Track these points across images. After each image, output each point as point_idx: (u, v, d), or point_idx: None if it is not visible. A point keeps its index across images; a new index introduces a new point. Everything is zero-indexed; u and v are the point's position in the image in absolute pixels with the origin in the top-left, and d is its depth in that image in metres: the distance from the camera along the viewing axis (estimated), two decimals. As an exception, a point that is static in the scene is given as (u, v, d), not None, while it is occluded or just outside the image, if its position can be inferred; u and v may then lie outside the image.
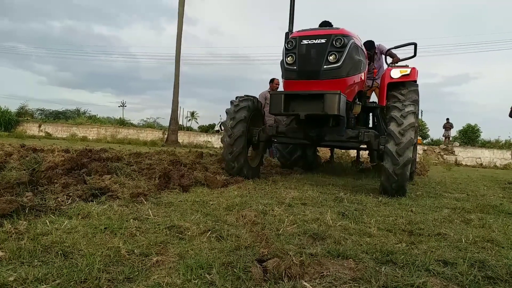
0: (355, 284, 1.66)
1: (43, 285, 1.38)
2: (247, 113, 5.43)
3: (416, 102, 6.16)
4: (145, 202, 3.21)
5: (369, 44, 6.79)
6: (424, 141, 29.78)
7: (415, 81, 6.44)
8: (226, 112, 5.52)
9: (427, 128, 37.57)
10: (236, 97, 5.67)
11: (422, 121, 36.31)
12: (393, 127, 4.59)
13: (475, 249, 2.34)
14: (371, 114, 7.09)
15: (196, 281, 1.54)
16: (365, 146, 5.81)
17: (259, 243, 2.19)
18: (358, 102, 5.79)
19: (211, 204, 3.30)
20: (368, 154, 8.93)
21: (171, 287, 1.47)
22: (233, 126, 5.30)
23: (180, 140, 24.43)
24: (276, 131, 5.69)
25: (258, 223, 2.70)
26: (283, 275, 1.73)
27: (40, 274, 1.47)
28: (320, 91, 4.65)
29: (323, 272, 1.78)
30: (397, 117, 4.64)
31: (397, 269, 1.90)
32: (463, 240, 2.52)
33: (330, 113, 4.59)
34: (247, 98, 5.64)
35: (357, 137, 5.17)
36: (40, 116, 33.41)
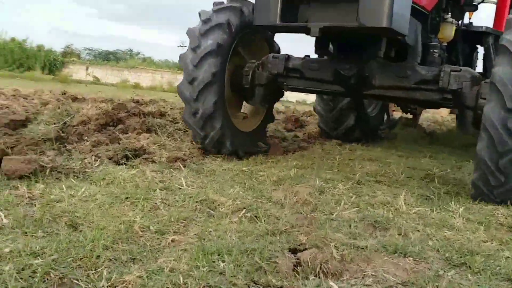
0: (403, 290, 1.69)
1: (38, 259, 1.60)
2: (227, 36, 3.88)
3: None
4: (183, 169, 3.41)
5: None
6: None
7: None
8: (188, 35, 4.05)
9: None
10: (214, 3, 4.11)
11: None
12: (504, 70, 3.04)
13: None
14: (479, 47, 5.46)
15: (205, 269, 1.67)
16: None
17: (300, 227, 2.27)
18: (450, 20, 4.32)
19: (260, 176, 3.42)
20: (457, 118, 6.84)
21: (174, 273, 1.62)
22: (196, 64, 3.82)
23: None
24: (285, 67, 4.14)
25: (310, 203, 2.77)
26: (318, 270, 1.80)
27: (38, 247, 1.70)
28: None
29: (366, 271, 1.81)
30: None
31: (469, 275, 1.87)
32: None
33: (371, 26, 3.15)
34: (229, 5, 4.05)
35: (435, 81, 3.59)
36: (88, 57, 35.59)
